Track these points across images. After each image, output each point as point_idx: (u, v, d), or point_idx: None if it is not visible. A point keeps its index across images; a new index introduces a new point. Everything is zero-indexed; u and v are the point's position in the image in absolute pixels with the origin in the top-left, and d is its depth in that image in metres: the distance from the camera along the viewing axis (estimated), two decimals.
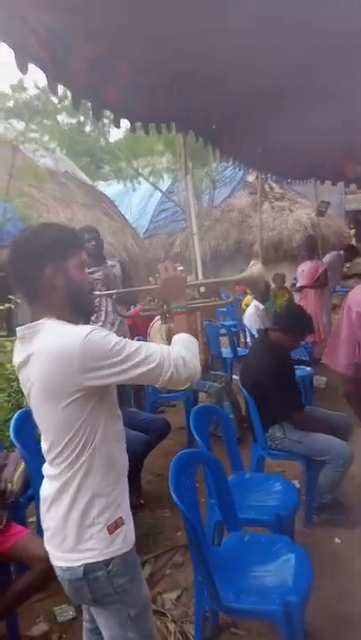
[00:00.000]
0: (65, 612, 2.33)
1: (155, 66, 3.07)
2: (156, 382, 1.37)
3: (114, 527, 1.36)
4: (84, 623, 1.70)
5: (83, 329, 1.30)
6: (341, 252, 7.65)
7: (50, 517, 1.40)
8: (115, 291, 1.67)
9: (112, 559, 1.35)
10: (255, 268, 1.77)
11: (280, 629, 1.69)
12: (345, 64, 3.21)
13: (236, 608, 1.76)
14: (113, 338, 1.31)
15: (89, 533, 1.34)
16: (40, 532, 2.58)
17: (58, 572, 1.41)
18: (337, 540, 2.79)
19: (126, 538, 1.40)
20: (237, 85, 3.70)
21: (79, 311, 1.46)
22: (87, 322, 1.53)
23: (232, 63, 3.22)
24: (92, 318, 1.73)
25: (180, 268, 1.61)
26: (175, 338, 1.49)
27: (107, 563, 1.34)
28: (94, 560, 1.33)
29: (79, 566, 1.34)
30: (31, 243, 1.38)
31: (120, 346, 1.30)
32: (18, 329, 1.41)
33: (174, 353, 1.38)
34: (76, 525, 1.34)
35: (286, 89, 3.82)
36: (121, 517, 1.39)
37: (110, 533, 1.35)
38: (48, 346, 1.31)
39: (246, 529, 2.27)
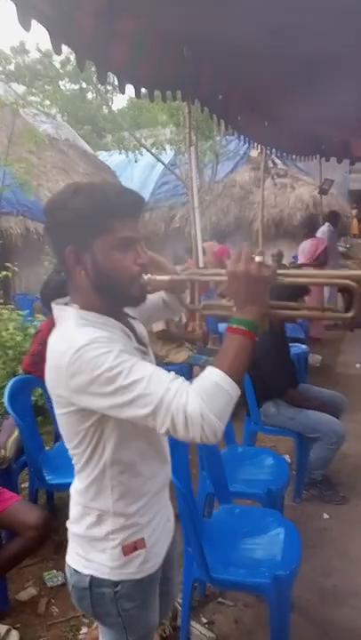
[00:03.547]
0: (54, 577, 2.36)
1: (165, 26, 2.96)
2: (157, 430, 1.02)
3: (131, 549, 1.16)
4: None
5: (79, 339, 1.02)
6: (328, 223, 7.34)
7: (71, 511, 1.24)
8: (168, 277, 1.19)
9: (122, 581, 1.16)
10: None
11: (268, 602, 1.71)
12: (355, 36, 3.11)
13: (224, 580, 1.77)
14: (108, 359, 0.99)
15: (101, 547, 1.16)
16: (32, 499, 2.62)
17: (66, 570, 1.25)
18: (326, 515, 2.82)
19: (146, 563, 1.19)
20: (247, 56, 3.59)
21: (114, 302, 1.14)
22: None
23: (244, 33, 3.12)
24: None
25: (259, 258, 1.06)
26: (205, 373, 1.03)
27: (116, 583, 1.16)
28: (103, 577, 1.16)
29: (86, 575, 1.17)
30: (56, 214, 1.10)
31: (113, 373, 0.98)
32: (53, 305, 1.17)
33: (181, 401, 0.98)
34: (89, 534, 1.18)
35: (295, 62, 3.71)
36: (143, 539, 1.18)
37: (125, 555, 1.16)
38: (52, 347, 1.09)
39: (237, 502, 2.28)
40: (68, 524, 1.24)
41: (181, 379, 1.03)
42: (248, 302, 1.06)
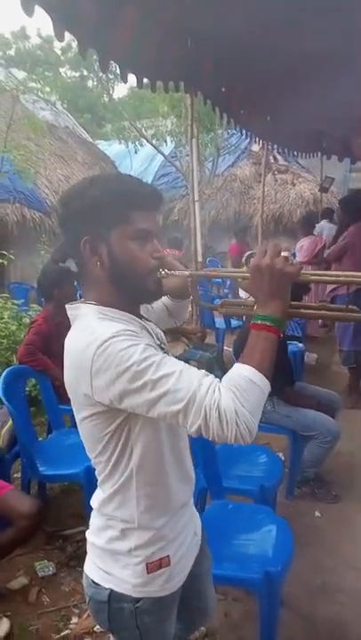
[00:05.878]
0: (45, 567, 2.36)
1: (169, 17, 2.93)
2: (186, 429, 0.98)
3: (156, 566, 1.11)
4: None
5: (104, 332, 0.97)
6: (326, 220, 7.31)
7: (92, 521, 1.19)
8: (188, 272, 1.17)
9: (144, 598, 1.11)
10: None
11: (258, 598, 1.71)
12: (357, 34, 3.10)
13: (216, 574, 1.75)
14: (136, 353, 0.94)
15: (123, 562, 1.11)
16: (24, 489, 2.62)
17: (83, 579, 1.20)
18: (317, 513, 2.83)
19: (169, 581, 1.13)
20: (251, 50, 3.56)
21: (130, 296, 1.10)
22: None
23: (248, 27, 3.09)
24: None
25: (286, 253, 1.04)
26: (234, 369, 1.00)
27: (137, 600, 1.11)
28: (124, 592, 1.11)
29: (105, 588, 1.12)
30: (72, 204, 1.06)
31: (141, 367, 0.93)
32: (66, 305, 1.12)
33: (214, 397, 0.93)
34: (110, 547, 1.12)
35: (299, 58, 3.69)
36: (168, 557, 1.12)
37: (149, 573, 1.10)
38: (71, 345, 1.04)
39: (230, 497, 2.28)
40: (88, 535, 1.19)
41: (212, 375, 0.99)
42: (271, 298, 1.03)
